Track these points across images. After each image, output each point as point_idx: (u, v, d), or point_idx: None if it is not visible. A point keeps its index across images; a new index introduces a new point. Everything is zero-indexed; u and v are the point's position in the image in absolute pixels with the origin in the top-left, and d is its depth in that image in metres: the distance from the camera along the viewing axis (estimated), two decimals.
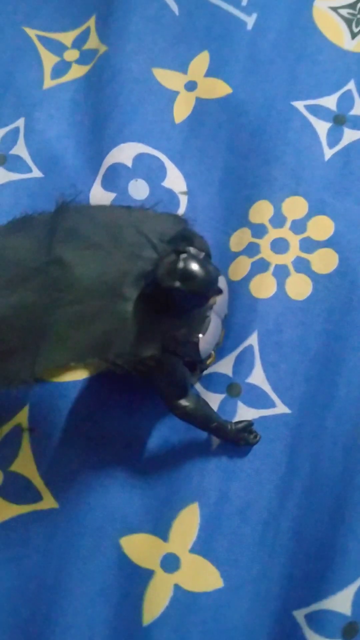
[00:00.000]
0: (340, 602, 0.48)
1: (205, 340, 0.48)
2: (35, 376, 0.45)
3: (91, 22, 0.72)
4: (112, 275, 0.46)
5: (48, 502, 0.53)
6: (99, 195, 0.63)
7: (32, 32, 0.72)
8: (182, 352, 0.47)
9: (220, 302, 0.49)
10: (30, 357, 0.46)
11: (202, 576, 0.50)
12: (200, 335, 0.48)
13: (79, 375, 0.57)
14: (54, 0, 0.72)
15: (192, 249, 0.44)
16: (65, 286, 0.46)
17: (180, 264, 0.43)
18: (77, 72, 0.70)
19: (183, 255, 0.43)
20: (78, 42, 0.71)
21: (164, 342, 0.46)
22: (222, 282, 0.49)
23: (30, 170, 0.65)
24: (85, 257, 0.47)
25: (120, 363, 0.47)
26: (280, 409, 0.54)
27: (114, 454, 0.54)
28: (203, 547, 0.51)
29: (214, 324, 0.49)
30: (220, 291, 0.45)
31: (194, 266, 0.43)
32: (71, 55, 0.71)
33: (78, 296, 0.46)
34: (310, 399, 0.55)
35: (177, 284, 0.43)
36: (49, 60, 0.71)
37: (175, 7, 0.69)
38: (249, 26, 0.68)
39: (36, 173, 0.65)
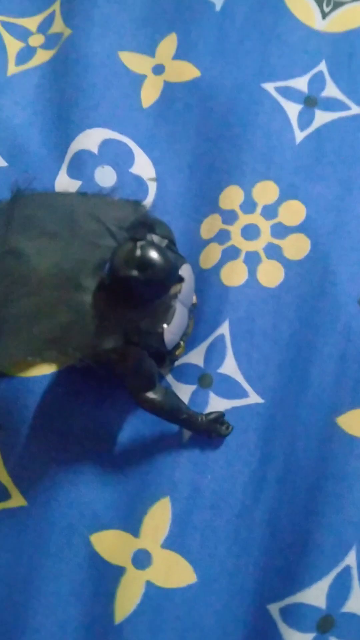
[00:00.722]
0: (314, 595, 0.47)
1: (171, 331, 0.47)
2: None
3: (56, 6, 0.70)
4: (69, 265, 0.45)
5: (16, 499, 0.52)
6: (65, 184, 0.61)
7: None
8: (146, 343, 0.46)
9: (185, 291, 0.48)
10: None
11: (175, 572, 0.49)
12: (165, 326, 0.46)
13: (46, 369, 0.55)
14: None
15: (152, 236, 0.42)
16: (20, 278, 0.45)
17: (138, 252, 0.42)
18: (42, 57, 0.68)
19: (140, 243, 0.42)
20: (43, 27, 0.69)
21: (126, 334, 0.45)
22: (185, 270, 0.48)
23: None
24: (42, 246, 0.45)
25: (80, 357, 0.45)
26: (253, 398, 0.53)
27: (84, 449, 0.53)
28: (175, 542, 0.50)
29: (180, 314, 0.48)
30: (181, 279, 0.43)
31: (152, 254, 0.42)
32: (36, 40, 0.69)
33: (34, 288, 0.45)
34: (283, 388, 0.53)
35: (135, 272, 0.42)
36: (13, 46, 0.69)
37: None
38: (218, 7, 0.67)
39: (0, 162, 0.63)
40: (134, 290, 0.43)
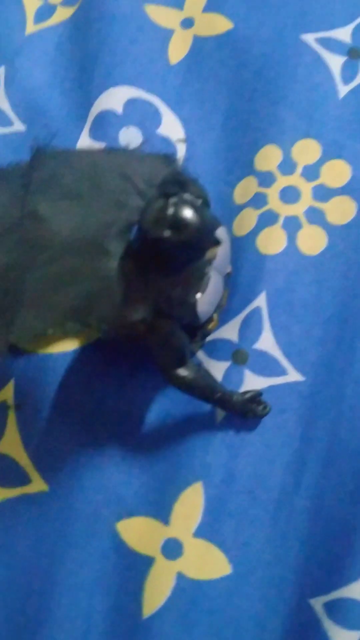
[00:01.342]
0: None
1: (205, 301, 0.43)
2: (8, 345, 0.40)
3: None
4: (93, 228, 0.41)
5: (37, 484, 0.49)
6: (87, 147, 0.57)
7: None
8: (178, 314, 0.42)
9: (221, 257, 0.44)
10: (4, 325, 0.41)
11: (208, 562, 0.45)
12: (199, 295, 0.42)
13: (68, 345, 0.52)
14: None
15: (185, 194, 0.38)
16: (40, 243, 0.41)
17: (170, 210, 0.37)
18: (62, 14, 0.64)
19: (173, 200, 0.37)
20: None
21: (156, 304, 0.41)
22: (222, 233, 0.43)
23: (11, 124, 0.60)
24: (63, 208, 0.41)
25: (105, 329, 0.41)
26: (293, 376, 0.49)
27: (109, 431, 0.49)
28: (208, 530, 0.46)
29: (215, 283, 0.43)
30: (218, 242, 0.39)
31: (187, 212, 0.37)
32: None
33: (55, 254, 0.41)
34: (327, 365, 0.49)
35: (167, 233, 0.37)
36: (31, 3, 0.65)
37: None
38: None
39: (18, 126, 0.60)
40: (165, 253, 0.38)
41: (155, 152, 0.46)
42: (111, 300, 0.40)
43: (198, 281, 0.42)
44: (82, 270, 0.41)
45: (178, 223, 0.38)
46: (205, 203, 0.43)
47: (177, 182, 0.39)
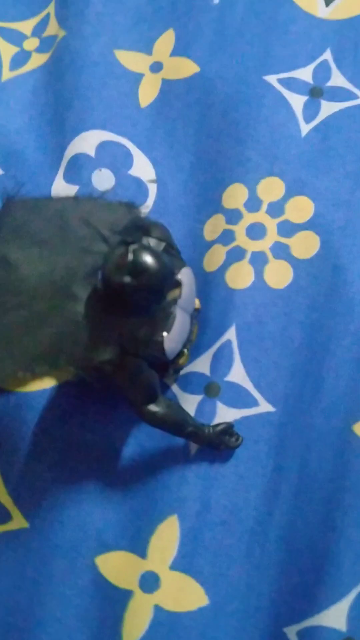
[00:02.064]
0: (334, 617, 0.44)
1: (172, 339, 0.44)
2: None
3: (51, 8, 0.68)
4: (60, 273, 0.42)
5: (17, 521, 0.50)
6: (62, 189, 0.59)
7: None
8: (145, 353, 0.43)
9: (186, 296, 0.45)
10: None
11: (185, 594, 0.46)
12: (165, 334, 0.44)
13: (45, 383, 0.53)
14: None
15: (147, 239, 0.40)
16: (10, 289, 0.42)
17: (130, 257, 0.39)
18: (37, 61, 0.66)
19: (133, 247, 0.39)
20: (38, 30, 0.67)
21: (122, 344, 0.42)
22: (185, 274, 0.45)
23: None
24: (32, 255, 0.43)
25: (74, 371, 0.43)
26: (264, 407, 0.50)
27: (86, 467, 0.50)
28: (184, 562, 0.47)
29: (181, 320, 0.45)
30: (178, 284, 0.41)
31: (146, 258, 0.39)
32: (31, 44, 0.67)
33: (25, 299, 0.42)
34: (296, 395, 0.50)
35: (127, 279, 0.39)
36: (7, 51, 0.67)
37: None
38: (216, 0, 0.64)
39: None
40: (128, 297, 0.40)
41: (118, 200, 0.48)
42: (78, 342, 0.42)
43: (163, 321, 0.43)
44: (50, 314, 0.42)
45: (137, 269, 0.39)
46: (169, 245, 0.44)
47: (138, 228, 0.41)
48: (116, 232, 0.43)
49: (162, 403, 0.46)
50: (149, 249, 0.39)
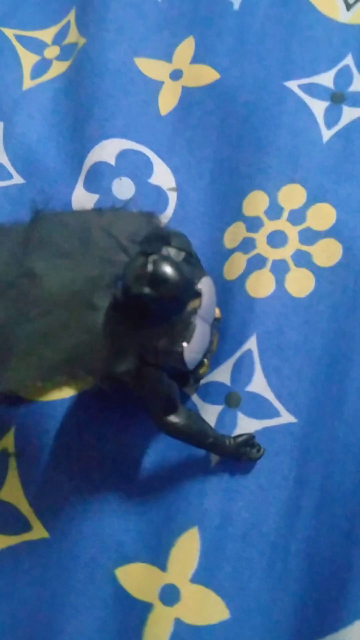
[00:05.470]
0: (357, 633, 0.43)
1: (192, 349, 0.44)
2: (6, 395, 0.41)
3: (71, 15, 0.68)
4: (81, 284, 0.42)
5: (38, 531, 0.49)
6: (82, 198, 0.59)
7: (10, 32, 0.68)
8: (165, 364, 0.43)
9: (206, 306, 0.45)
10: None
11: (206, 608, 0.46)
12: (185, 344, 0.43)
13: (66, 393, 0.53)
14: None
15: (166, 249, 0.40)
16: (33, 299, 0.42)
17: (149, 267, 0.39)
18: (57, 69, 0.66)
19: (152, 257, 0.39)
20: (58, 38, 0.68)
21: (142, 355, 0.42)
22: (205, 283, 0.44)
23: (11, 177, 0.62)
24: (56, 266, 0.43)
25: (92, 381, 0.43)
26: (285, 418, 0.50)
27: (107, 477, 0.50)
28: (205, 575, 0.46)
29: (201, 330, 0.45)
30: (198, 294, 0.40)
31: (165, 268, 0.39)
32: (52, 52, 0.67)
33: (46, 308, 0.42)
34: (318, 406, 0.49)
35: (147, 289, 0.39)
36: (28, 59, 0.67)
37: None
38: (236, 6, 0.64)
39: (17, 179, 0.62)
40: (147, 308, 0.40)
41: (139, 210, 0.47)
42: (98, 352, 0.42)
43: (183, 331, 0.43)
44: (71, 324, 0.42)
45: (157, 279, 0.39)
46: (189, 254, 0.44)
47: (158, 238, 0.41)
48: (136, 242, 0.43)
49: (183, 414, 0.45)
50: (168, 259, 0.39)
